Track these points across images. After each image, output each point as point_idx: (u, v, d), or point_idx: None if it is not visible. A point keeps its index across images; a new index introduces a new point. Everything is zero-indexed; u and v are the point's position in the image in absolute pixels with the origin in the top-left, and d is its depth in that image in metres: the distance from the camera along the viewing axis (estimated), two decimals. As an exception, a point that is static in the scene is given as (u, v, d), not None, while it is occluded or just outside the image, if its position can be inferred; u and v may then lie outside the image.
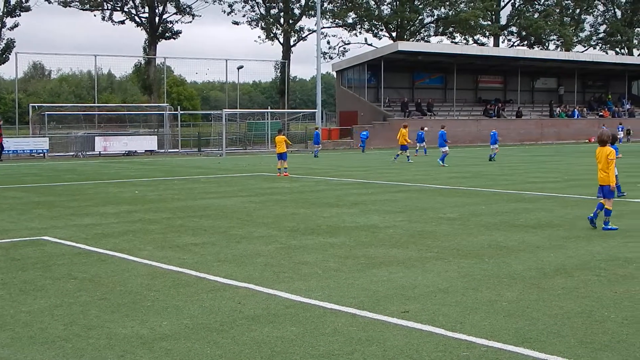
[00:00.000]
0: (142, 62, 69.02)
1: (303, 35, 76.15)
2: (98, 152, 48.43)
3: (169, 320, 7.90)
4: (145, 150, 50.43)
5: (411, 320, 7.77)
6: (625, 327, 7.51)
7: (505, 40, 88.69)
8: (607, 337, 7.19)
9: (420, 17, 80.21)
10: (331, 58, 78.01)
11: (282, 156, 28.90)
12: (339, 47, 79.28)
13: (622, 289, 9.19)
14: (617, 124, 66.90)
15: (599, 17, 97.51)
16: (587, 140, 66.34)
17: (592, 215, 14.22)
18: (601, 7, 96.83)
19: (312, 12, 70.18)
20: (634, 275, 9.99)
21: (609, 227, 13.92)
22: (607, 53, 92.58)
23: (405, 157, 38.02)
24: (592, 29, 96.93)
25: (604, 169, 14.15)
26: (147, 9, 68.75)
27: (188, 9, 69.75)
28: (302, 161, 39.58)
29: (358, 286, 9.41)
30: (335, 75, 71.93)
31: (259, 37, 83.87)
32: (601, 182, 14.28)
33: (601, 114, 74.66)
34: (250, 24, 74.89)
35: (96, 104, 59.90)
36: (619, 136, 63.86)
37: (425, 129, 45.79)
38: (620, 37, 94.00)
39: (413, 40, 77.40)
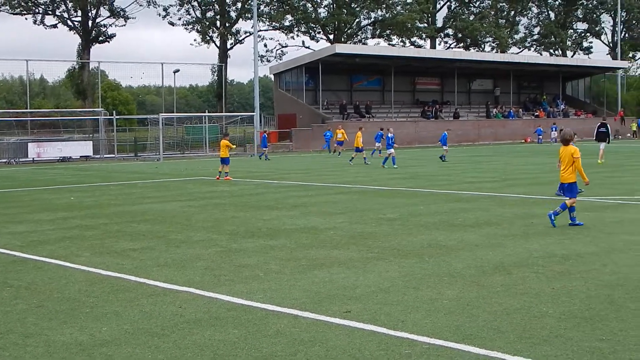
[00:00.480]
0: (76, 66, 68.13)
1: (240, 39, 76.04)
2: (31, 159, 47.60)
3: (109, 326, 7.79)
4: (81, 156, 49.75)
5: (353, 320, 7.78)
6: (563, 322, 7.63)
7: (442, 42, 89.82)
8: (545, 332, 7.29)
9: (357, 20, 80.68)
10: (269, 61, 78.02)
11: (223, 160, 28.69)
12: (277, 50, 79.35)
13: (560, 284, 9.33)
14: (551, 123, 68.03)
15: (533, 19, 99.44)
16: (523, 140, 67.35)
17: (552, 212, 14.43)
18: (535, 9, 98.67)
19: (249, 15, 70.13)
20: (570, 271, 10.15)
21: (576, 222, 14.25)
22: (541, 54, 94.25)
23: (362, 159, 37.97)
24: (527, 31, 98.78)
25: (566, 167, 14.39)
26: (80, 13, 67.89)
27: (122, 12, 69.09)
28: (241, 164, 39.43)
29: (300, 287, 9.40)
30: (273, 79, 71.93)
31: (195, 40, 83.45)
32: (562, 180, 14.54)
33: (537, 114, 75.85)
34: (186, 27, 74.51)
35: (29, 110, 58.87)
36: (553, 136, 65.00)
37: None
38: (554, 39, 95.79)
39: (350, 43, 77.73)
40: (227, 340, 7.20)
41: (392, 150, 34.89)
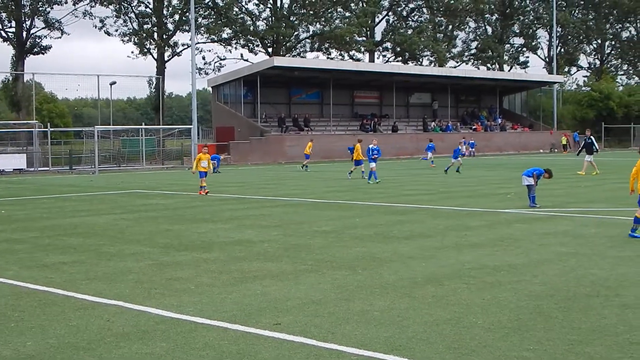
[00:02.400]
0: (10, 78, 66.99)
1: (178, 51, 75.59)
2: (-37, 172, 46.57)
3: (34, 341, 7.63)
4: (14, 169, 48.79)
5: (283, 332, 7.74)
6: (492, 333, 7.69)
7: (381, 56, 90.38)
8: (474, 342, 7.33)
9: (296, 33, 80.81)
10: (207, 74, 77.68)
11: (200, 174, 27.15)
12: (215, 62, 79.06)
13: (490, 295, 9.41)
14: (461, 137, 68.63)
15: (471, 34, 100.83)
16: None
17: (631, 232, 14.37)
18: (472, 24, 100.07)
19: (187, 27, 69.75)
20: (501, 282, 10.24)
21: (636, 234, 14.22)
22: (479, 68, 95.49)
23: (360, 172, 35.02)
24: (464, 45, 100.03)
25: None
26: (14, 23, 66.82)
27: (57, 24, 68.21)
28: (177, 178, 39.14)
29: (231, 300, 9.32)
30: (211, 91, 71.60)
31: (132, 52, 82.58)
32: None
33: (474, 127, 76.68)
34: (122, 39, 73.81)
35: (-39, 122, 57.68)
36: (462, 150, 65.71)
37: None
38: (491, 53, 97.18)
39: (289, 56, 77.80)
40: (154, 354, 7.10)
41: (373, 164, 32.01)
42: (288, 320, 8.24)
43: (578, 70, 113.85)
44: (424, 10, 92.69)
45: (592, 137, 36.77)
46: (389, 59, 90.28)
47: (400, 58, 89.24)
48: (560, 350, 7.07)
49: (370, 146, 32.85)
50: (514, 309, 8.68)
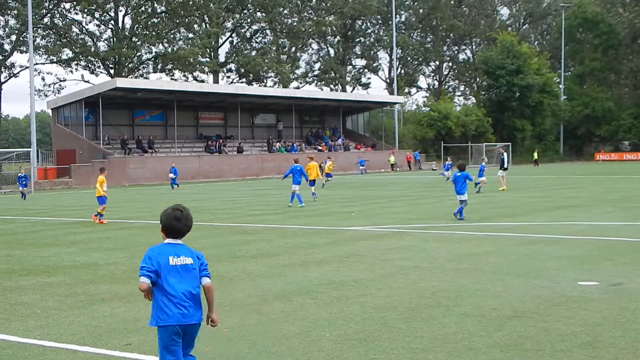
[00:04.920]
0: None
1: (15, 72, 73.21)
2: None
3: None
4: None
5: (135, 352, 7.75)
6: (339, 344, 7.93)
7: (225, 77, 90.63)
8: (322, 355, 7.55)
9: (138, 54, 79.96)
10: (46, 95, 75.66)
11: (99, 200, 24.53)
12: (55, 84, 77.09)
13: (337, 309, 9.68)
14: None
15: (314, 55, 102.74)
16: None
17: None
18: (315, 46, 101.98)
19: (24, 48, 67.73)
20: (347, 296, 10.54)
21: None
22: (322, 89, 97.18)
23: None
24: (308, 66, 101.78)
25: None
26: None
27: None
28: (16, 202, 37.90)
29: (79, 323, 9.22)
30: (50, 113, 69.69)
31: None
32: None
33: (319, 148, 77.79)
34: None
35: None
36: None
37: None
38: (334, 74, 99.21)
39: (132, 77, 76.80)
40: (1, 380, 6.96)
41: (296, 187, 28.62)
42: (139, 340, 8.24)
43: (418, 91, 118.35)
44: (268, 32, 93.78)
45: (504, 153, 38.75)
46: (233, 80, 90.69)
47: (244, 79, 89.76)
48: (405, 358, 7.39)
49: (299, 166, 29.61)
50: (359, 321, 8.97)
